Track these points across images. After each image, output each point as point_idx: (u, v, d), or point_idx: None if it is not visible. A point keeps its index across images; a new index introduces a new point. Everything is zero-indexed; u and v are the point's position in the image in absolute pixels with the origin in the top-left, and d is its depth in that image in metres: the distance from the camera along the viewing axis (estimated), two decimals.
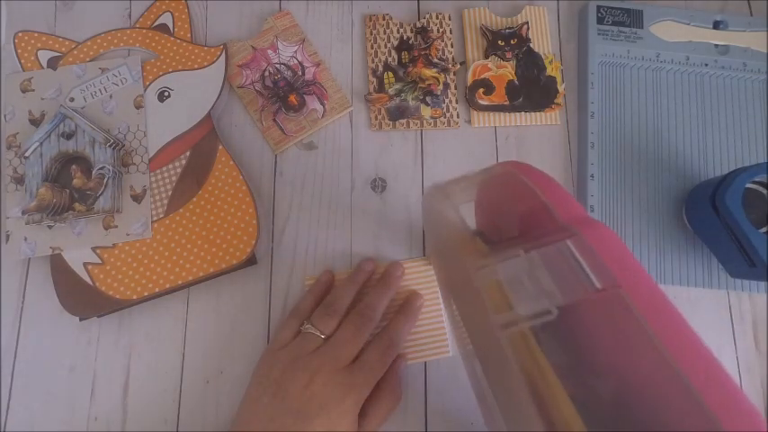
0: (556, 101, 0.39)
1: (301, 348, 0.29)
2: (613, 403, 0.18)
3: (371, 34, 0.41)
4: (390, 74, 0.40)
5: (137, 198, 0.36)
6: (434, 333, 0.34)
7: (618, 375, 0.18)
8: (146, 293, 0.34)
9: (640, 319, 0.15)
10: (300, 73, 0.39)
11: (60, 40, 0.39)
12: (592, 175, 0.38)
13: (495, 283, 0.19)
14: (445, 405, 0.34)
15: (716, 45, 0.41)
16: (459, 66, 0.40)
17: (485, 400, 0.25)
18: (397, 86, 0.39)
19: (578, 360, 0.20)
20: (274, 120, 0.38)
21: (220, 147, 0.37)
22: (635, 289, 0.16)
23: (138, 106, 0.38)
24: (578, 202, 0.20)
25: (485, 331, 0.20)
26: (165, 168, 0.36)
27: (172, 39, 0.39)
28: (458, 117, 0.39)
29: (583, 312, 0.19)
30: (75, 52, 0.39)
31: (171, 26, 0.40)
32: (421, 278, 0.36)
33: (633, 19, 0.41)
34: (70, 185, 0.35)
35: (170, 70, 0.38)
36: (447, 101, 0.39)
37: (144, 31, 0.40)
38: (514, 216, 0.23)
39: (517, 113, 0.39)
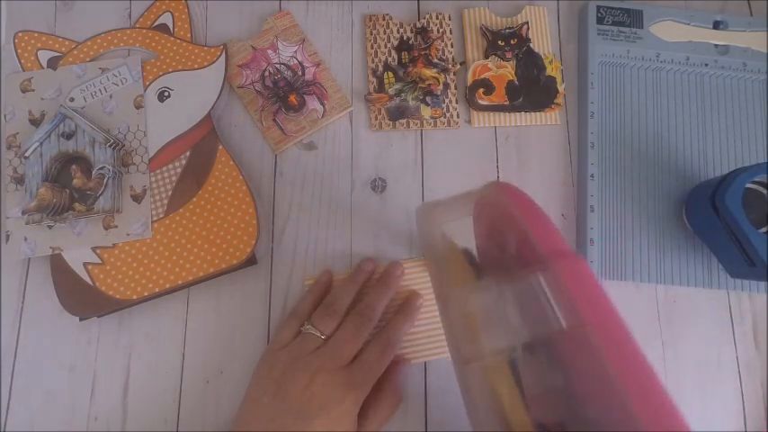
0: (556, 101, 0.39)
1: (301, 349, 0.29)
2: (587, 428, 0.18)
3: (371, 34, 0.41)
4: (390, 74, 0.40)
5: (137, 198, 0.36)
6: (434, 333, 0.34)
7: (586, 408, 0.18)
8: (146, 293, 0.34)
9: (603, 359, 0.15)
10: (300, 73, 0.39)
11: (60, 40, 0.39)
12: (592, 175, 0.38)
13: (466, 313, 0.19)
14: (445, 405, 0.34)
15: (716, 45, 0.41)
16: (459, 66, 0.40)
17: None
18: (397, 86, 0.39)
19: (551, 389, 0.20)
20: (274, 120, 0.38)
21: (220, 147, 0.37)
22: (602, 327, 0.16)
23: (138, 106, 0.38)
24: (560, 234, 0.20)
25: (456, 360, 0.20)
26: (165, 168, 0.36)
27: (172, 39, 0.39)
28: (458, 117, 0.39)
29: (552, 346, 0.19)
30: (75, 52, 0.39)
31: (171, 26, 0.40)
32: (420, 278, 0.36)
33: (633, 19, 0.41)
34: (70, 185, 0.35)
35: (170, 70, 0.38)
36: (447, 101, 0.39)
37: (144, 31, 0.40)
38: (503, 241, 0.24)
39: (517, 113, 0.39)
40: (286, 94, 0.37)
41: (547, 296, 0.17)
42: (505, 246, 0.24)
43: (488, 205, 0.25)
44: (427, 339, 0.34)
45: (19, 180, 0.36)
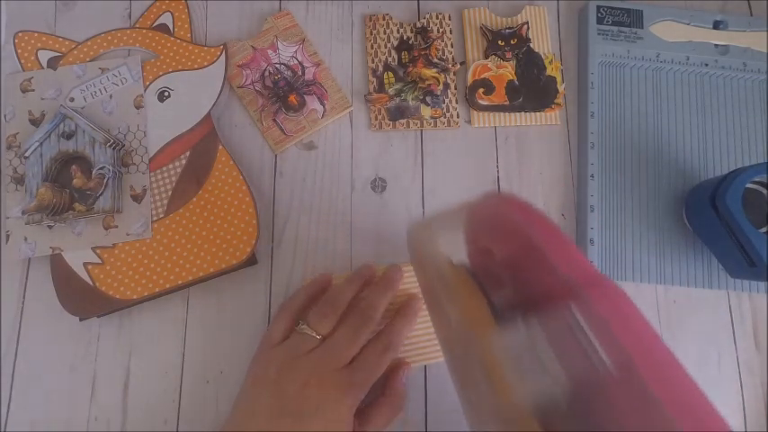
0: (556, 101, 0.39)
1: (297, 348, 0.29)
2: None
3: (371, 34, 0.41)
4: (390, 74, 0.40)
5: (137, 198, 0.36)
6: (434, 336, 0.34)
7: None
8: (146, 293, 0.34)
9: (656, 401, 0.13)
10: (300, 73, 0.39)
11: (60, 40, 0.39)
12: (592, 175, 0.38)
13: (491, 358, 0.16)
14: (445, 407, 0.34)
15: (716, 45, 0.41)
16: (459, 66, 0.40)
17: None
18: (397, 86, 0.39)
19: None
20: (274, 120, 0.38)
21: (220, 147, 0.37)
22: (650, 364, 0.14)
23: (138, 106, 0.38)
24: (578, 248, 0.17)
25: (483, 406, 0.17)
26: (165, 168, 0.36)
27: (172, 39, 0.39)
28: (458, 117, 0.39)
29: (591, 389, 0.16)
30: (75, 52, 0.39)
31: (171, 26, 0.40)
32: None
33: (633, 19, 0.41)
34: (70, 185, 0.35)
35: (170, 70, 0.38)
36: (447, 101, 0.39)
37: (144, 31, 0.40)
38: (508, 258, 0.20)
39: (517, 113, 0.39)
40: (286, 94, 0.37)
41: (586, 333, 0.15)
42: (506, 267, 0.21)
43: (488, 218, 0.22)
44: (427, 343, 0.34)
45: (19, 180, 0.36)
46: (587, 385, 0.15)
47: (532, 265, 0.18)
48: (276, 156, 0.38)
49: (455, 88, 0.40)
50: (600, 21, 0.41)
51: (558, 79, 0.40)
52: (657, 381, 0.13)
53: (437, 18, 0.41)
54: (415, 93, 0.39)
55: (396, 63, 0.40)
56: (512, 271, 0.20)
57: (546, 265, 0.17)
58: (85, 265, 0.34)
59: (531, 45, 0.40)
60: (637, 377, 0.14)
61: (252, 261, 0.35)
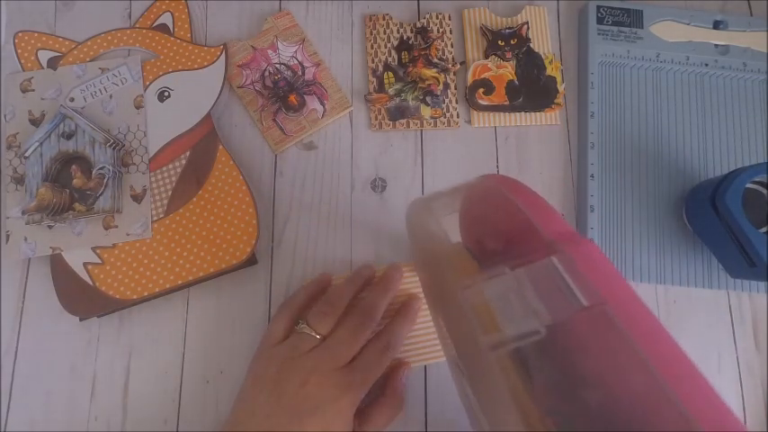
0: (556, 101, 0.39)
1: (298, 347, 0.29)
2: (601, 417, 0.18)
3: (371, 34, 0.41)
4: (390, 74, 0.40)
5: (137, 198, 0.36)
6: (433, 336, 0.34)
7: (605, 389, 0.18)
8: (146, 293, 0.34)
9: (625, 334, 0.16)
10: (300, 73, 0.39)
11: (60, 40, 0.39)
12: (592, 175, 0.38)
13: (481, 302, 0.19)
14: (445, 407, 0.34)
15: (716, 45, 0.41)
16: (459, 66, 0.40)
17: (473, 414, 0.25)
18: (397, 86, 0.39)
19: (564, 375, 0.20)
20: (274, 120, 0.38)
21: (220, 147, 0.37)
22: (620, 305, 0.16)
23: (138, 106, 0.38)
24: (562, 218, 0.20)
25: (473, 352, 0.20)
26: (165, 168, 0.36)
27: (172, 39, 0.39)
28: (458, 117, 0.39)
29: (568, 328, 0.19)
30: (75, 52, 0.39)
31: (171, 26, 0.40)
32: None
33: (633, 19, 0.41)
34: (70, 185, 0.35)
35: (170, 70, 0.38)
36: (447, 101, 0.39)
37: (144, 31, 0.40)
38: (499, 231, 0.23)
39: (517, 113, 0.39)
40: (286, 94, 0.37)
41: (564, 278, 0.17)
42: (491, 242, 0.24)
43: (475, 200, 0.24)
44: (427, 342, 0.34)
45: (19, 180, 0.36)
46: (566, 322, 0.17)
47: (518, 229, 0.21)
48: (276, 156, 0.38)
49: (455, 88, 0.40)
50: (600, 21, 0.41)
51: (558, 79, 0.40)
52: (624, 315, 0.16)
53: (437, 18, 0.41)
54: (415, 93, 0.39)
55: (396, 63, 0.40)
56: (501, 240, 0.22)
57: (530, 227, 0.19)
58: (85, 265, 0.34)
59: (531, 45, 0.40)
60: (607, 313, 0.16)
61: (252, 261, 0.35)
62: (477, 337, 0.18)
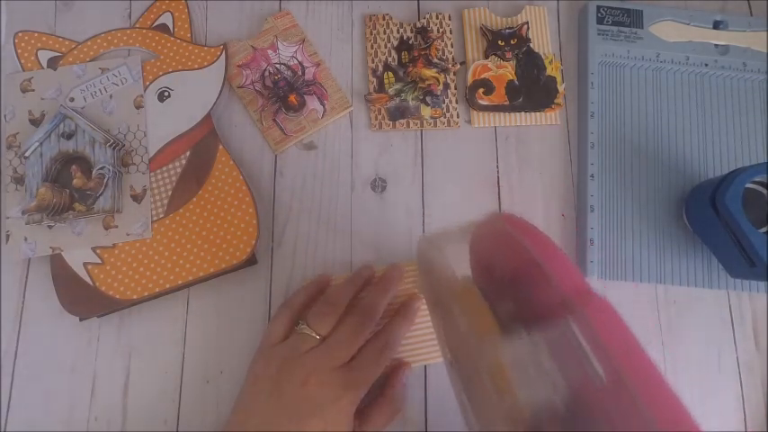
0: (556, 101, 0.39)
1: (298, 347, 0.29)
2: None
3: (371, 34, 0.41)
4: (390, 74, 0.40)
5: (137, 198, 0.36)
6: (433, 336, 0.34)
7: None
8: (146, 293, 0.34)
9: (646, 414, 0.15)
10: (300, 73, 0.39)
11: (60, 40, 0.39)
12: (592, 175, 0.38)
13: (497, 364, 0.18)
14: (445, 407, 0.34)
15: (716, 45, 0.41)
16: (459, 66, 0.40)
17: None
18: (397, 86, 0.39)
19: None
20: (274, 120, 0.38)
21: (220, 147, 0.37)
22: (640, 380, 0.16)
23: (138, 106, 0.38)
24: (574, 265, 0.19)
25: (488, 413, 0.19)
26: (165, 168, 0.36)
27: (172, 39, 0.39)
28: (458, 117, 0.39)
29: (586, 402, 0.18)
30: (75, 52, 0.39)
31: (171, 26, 0.40)
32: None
33: (633, 19, 0.41)
34: (70, 185, 0.35)
35: (170, 70, 0.38)
36: (447, 101, 0.39)
37: (144, 31, 0.40)
38: (509, 270, 0.23)
39: (517, 113, 0.39)
40: (286, 94, 0.37)
41: (582, 346, 0.17)
42: (500, 277, 0.23)
43: (491, 236, 0.24)
44: (427, 342, 0.34)
45: (19, 180, 0.36)
46: (583, 393, 0.17)
47: (532, 279, 0.20)
48: (276, 156, 0.38)
49: (455, 88, 0.40)
50: (600, 21, 0.41)
51: (558, 79, 0.40)
52: (645, 392, 0.15)
53: (437, 18, 0.41)
54: (415, 93, 0.39)
55: (396, 63, 0.40)
56: (513, 285, 0.22)
57: (545, 280, 0.18)
58: (85, 265, 0.34)
59: (531, 45, 0.40)
60: (627, 391, 0.15)
61: (252, 261, 0.35)
62: (494, 402, 0.17)
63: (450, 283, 0.24)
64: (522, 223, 0.21)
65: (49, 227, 0.35)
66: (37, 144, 0.34)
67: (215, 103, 0.38)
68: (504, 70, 0.40)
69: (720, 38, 0.41)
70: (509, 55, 0.40)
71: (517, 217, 0.22)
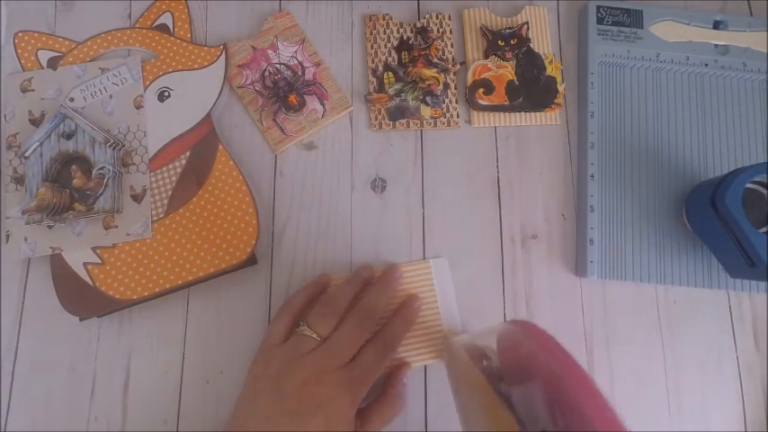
0: (556, 101, 0.39)
1: (298, 348, 0.29)
2: None
3: (371, 34, 0.41)
4: (390, 74, 0.40)
5: (137, 198, 0.36)
6: (433, 337, 0.34)
7: None
8: (146, 293, 0.34)
9: None
10: (300, 73, 0.39)
11: (60, 40, 0.39)
12: (592, 175, 0.38)
13: None
14: (445, 407, 0.34)
15: (716, 45, 0.41)
16: (459, 66, 0.40)
17: None
18: (397, 86, 0.39)
19: None
20: (274, 120, 0.38)
21: (220, 147, 0.37)
22: None
23: (138, 106, 0.38)
24: (596, 385, 0.19)
25: None
26: (165, 168, 0.36)
27: (172, 39, 0.39)
28: (458, 117, 0.39)
29: None
30: (75, 52, 0.39)
31: (171, 26, 0.40)
32: (419, 281, 0.36)
33: (633, 19, 0.41)
34: (70, 185, 0.35)
35: (170, 70, 0.38)
36: (447, 101, 0.39)
37: (144, 31, 0.40)
38: (535, 387, 0.23)
39: (517, 113, 0.39)
40: (286, 94, 0.37)
41: None
42: (524, 377, 0.23)
43: (517, 355, 0.24)
44: (427, 343, 0.34)
45: (19, 180, 0.36)
46: None
47: (565, 409, 0.20)
48: (276, 156, 0.38)
49: (455, 88, 0.40)
50: (600, 21, 0.41)
51: (558, 79, 0.40)
52: None
53: (437, 18, 0.41)
54: (415, 93, 0.39)
55: (396, 63, 0.40)
56: (544, 401, 0.22)
57: (580, 415, 0.18)
58: (85, 265, 0.34)
59: (531, 45, 0.40)
60: None
61: (252, 261, 0.35)
62: None
63: (476, 391, 0.25)
64: (542, 338, 0.22)
65: (49, 227, 0.35)
66: (37, 144, 0.34)
67: (215, 104, 0.38)
68: (504, 70, 0.40)
69: (720, 38, 0.41)
70: (509, 55, 0.40)
71: (535, 328, 0.22)
